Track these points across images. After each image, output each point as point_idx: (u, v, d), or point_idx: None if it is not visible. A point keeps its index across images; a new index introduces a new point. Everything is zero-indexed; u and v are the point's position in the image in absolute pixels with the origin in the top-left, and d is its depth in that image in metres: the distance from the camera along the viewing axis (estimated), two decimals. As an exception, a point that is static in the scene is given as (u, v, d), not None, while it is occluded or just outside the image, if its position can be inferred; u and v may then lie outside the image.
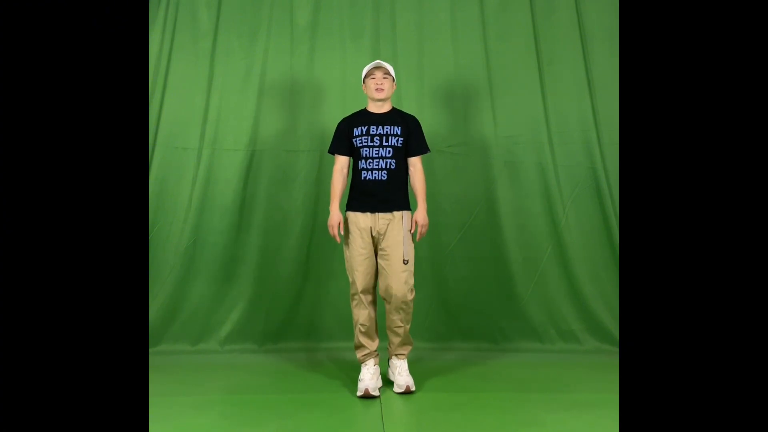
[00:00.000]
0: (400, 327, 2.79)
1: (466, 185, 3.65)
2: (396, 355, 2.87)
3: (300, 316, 3.56)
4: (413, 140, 2.84)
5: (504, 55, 3.70)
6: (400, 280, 2.70)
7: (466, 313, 3.60)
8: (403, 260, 2.72)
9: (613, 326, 3.56)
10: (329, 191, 3.62)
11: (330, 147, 2.92)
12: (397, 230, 2.75)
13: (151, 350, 3.35)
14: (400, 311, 2.76)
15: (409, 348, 2.91)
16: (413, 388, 2.76)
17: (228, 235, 3.55)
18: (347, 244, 2.83)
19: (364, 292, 2.78)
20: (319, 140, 3.55)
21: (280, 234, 3.58)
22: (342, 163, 2.88)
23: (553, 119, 3.69)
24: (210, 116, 3.58)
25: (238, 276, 3.55)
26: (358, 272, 2.76)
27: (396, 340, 2.83)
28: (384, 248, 2.76)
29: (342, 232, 2.82)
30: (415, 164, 2.85)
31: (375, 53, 3.65)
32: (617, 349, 3.36)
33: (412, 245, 2.78)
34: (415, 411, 2.58)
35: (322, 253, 3.59)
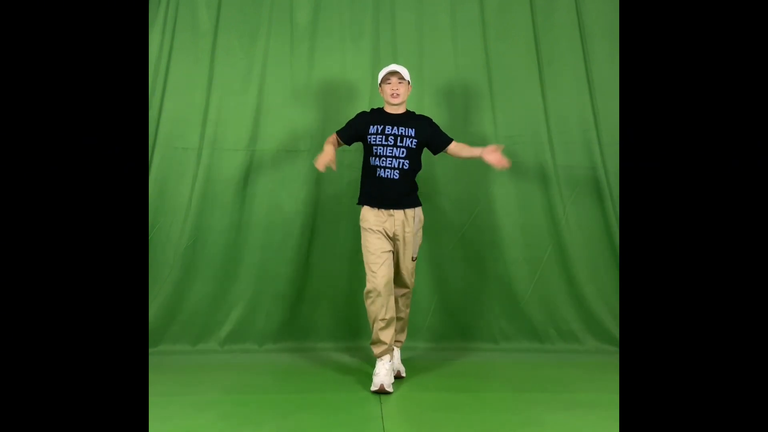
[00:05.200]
0: (403, 311, 3.02)
1: (466, 185, 3.65)
2: (397, 345, 3.04)
3: (300, 316, 3.56)
4: (437, 138, 2.98)
5: (504, 55, 3.70)
6: (408, 273, 2.96)
7: (466, 313, 3.60)
8: (412, 257, 2.94)
9: (613, 326, 3.57)
10: (329, 191, 3.64)
11: (341, 128, 2.99)
12: (409, 230, 2.89)
13: (151, 350, 3.35)
14: (404, 296, 3.02)
15: (404, 336, 3.13)
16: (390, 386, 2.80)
17: (228, 235, 3.55)
18: (364, 241, 2.89)
19: (386, 286, 2.80)
20: (319, 140, 3.53)
21: (280, 234, 3.57)
22: (337, 139, 2.95)
23: (553, 119, 3.69)
24: (210, 116, 3.58)
25: (238, 276, 3.55)
26: (377, 265, 2.80)
27: (398, 325, 2.99)
28: (399, 249, 2.91)
29: (330, 165, 2.78)
30: (451, 147, 3.00)
31: (375, 53, 3.65)
32: (617, 349, 3.36)
33: (419, 242, 2.98)
34: (415, 411, 2.58)
35: (322, 253, 3.59)
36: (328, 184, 3.59)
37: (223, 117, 3.59)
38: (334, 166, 2.78)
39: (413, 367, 2.99)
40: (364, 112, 3.00)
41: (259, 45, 3.62)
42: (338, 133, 2.96)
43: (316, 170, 3.59)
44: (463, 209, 3.64)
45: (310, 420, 2.44)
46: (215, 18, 3.61)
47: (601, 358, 3.41)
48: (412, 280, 3.04)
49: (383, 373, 2.80)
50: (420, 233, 2.97)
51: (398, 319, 2.97)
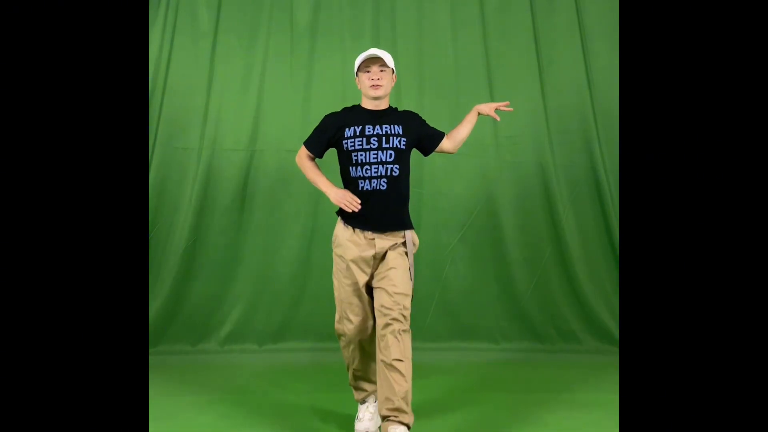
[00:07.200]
0: (401, 361, 2.11)
1: (466, 185, 3.65)
2: (395, 419, 2.09)
3: (300, 316, 3.56)
4: (427, 135, 2.39)
5: (504, 55, 3.70)
6: (395, 297, 2.17)
7: (466, 313, 3.60)
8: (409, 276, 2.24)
9: (613, 326, 3.57)
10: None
11: (307, 138, 2.37)
12: (397, 256, 2.22)
13: (151, 350, 3.35)
14: (398, 337, 2.12)
15: (410, 417, 2.13)
16: None
17: (228, 235, 3.55)
18: (334, 272, 2.33)
19: (358, 333, 2.25)
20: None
21: (280, 234, 3.58)
22: (308, 155, 2.37)
23: (553, 119, 3.69)
24: (210, 116, 3.58)
25: (238, 276, 3.55)
26: (351, 304, 2.25)
27: (397, 384, 2.08)
28: (380, 272, 2.23)
29: (354, 200, 2.21)
30: (445, 142, 2.41)
31: (375, 53, 3.65)
32: (617, 349, 3.36)
33: (412, 280, 2.25)
34: (414, 411, 2.58)
35: (322, 253, 3.58)
36: (328, 184, 3.59)
37: (223, 117, 3.60)
38: (356, 203, 2.21)
39: (413, 366, 2.97)
40: (333, 114, 2.35)
41: (259, 45, 3.63)
42: (306, 146, 2.35)
43: (309, 181, 3.60)
44: (463, 209, 3.64)
45: (310, 420, 2.44)
46: (215, 18, 3.62)
47: (601, 358, 3.41)
48: (403, 306, 2.16)
49: (367, 417, 2.31)
50: (412, 258, 2.26)
51: (394, 371, 2.10)
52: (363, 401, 2.38)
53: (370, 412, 2.34)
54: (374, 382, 2.31)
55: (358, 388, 2.39)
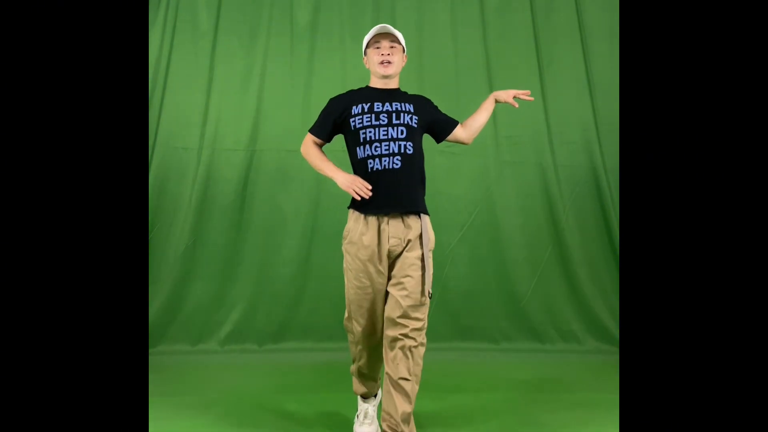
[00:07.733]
0: (407, 380, 2.01)
1: (466, 185, 3.65)
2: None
3: (300, 316, 3.56)
4: (441, 119, 2.28)
5: (504, 55, 3.71)
6: (407, 310, 2.02)
7: (466, 313, 3.60)
8: (427, 293, 2.04)
9: (613, 326, 3.57)
10: (329, 191, 3.63)
11: (312, 124, 2.26)
12: (414, 260, 2.04)
13: (151, 350, 3.36)
14: (407, 354, 2.01)
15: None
16: None
17: (228, 235, 3.55)
18: (345, 266, 2.14)
19: (366, 337, 2.14)
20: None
21: (280, 234, 3.58)
22: (314, 141, 2.22)
23: (553, 119, 3.70)
24: (210, 116, 3.59)
25: (238, 276, 3.55)
26: (361, 308, 2.10)
27: (400, 405, 2.00)
28: (396, 276, 2.05)
29: (364, 185, 2.01)
30: (459, 130, 2.31)
31: (375, 53, 3.65)
32: (617, 349, 3.36)
33: (430, 285, 2.06)
34: (415, 411, 2.58)
35: (322, 253, 3.59)
36: (328, 184, 3.59)
37: (223, 117, 3.60)
38: (367, 190, 2.01)
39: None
40: (338, 96, 2.23)
41: (259, 45, 3.63)
42: (312, 131, 2.21)
43: (316, 170, 3.61)
44: (463, 209, 3.65)
45: (309, 420, 2.44)
46: (215, 18, 3.62)
47: (601, 358, 3.41)
48: (419, 320, 2.03)
49: (367, 422, 2.25)
50: (430, 258, 2.06)
51: (398, 389, 2.02)
52: (364, 398, 2.32)
53: (370, 416, 2.28)
54: (378, 380, 2.31)
55: (359, 382, 2.30)
